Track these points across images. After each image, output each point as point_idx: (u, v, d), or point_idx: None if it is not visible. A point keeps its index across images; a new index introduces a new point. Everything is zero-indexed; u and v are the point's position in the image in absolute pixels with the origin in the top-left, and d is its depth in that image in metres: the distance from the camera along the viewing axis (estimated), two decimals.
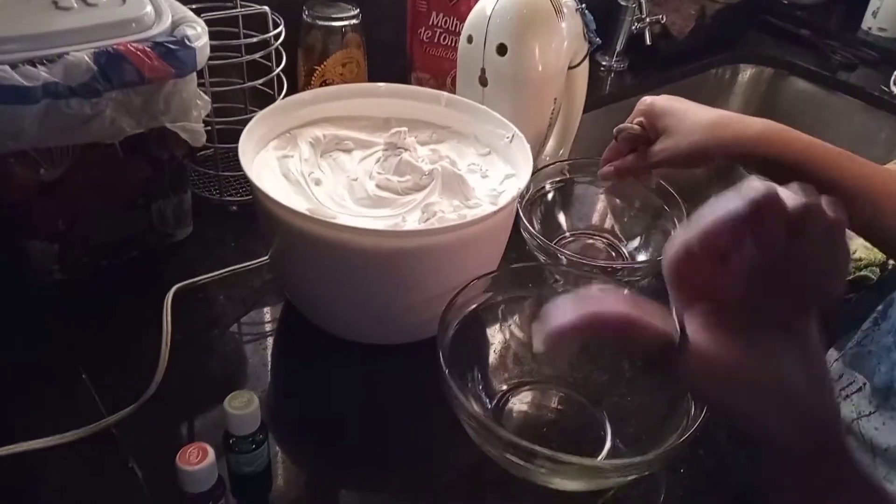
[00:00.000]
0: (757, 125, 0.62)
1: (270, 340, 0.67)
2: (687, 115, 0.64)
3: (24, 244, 0.66)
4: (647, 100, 0.68)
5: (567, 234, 0.81)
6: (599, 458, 0.57)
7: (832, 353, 0.53)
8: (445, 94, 0.74)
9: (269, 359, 0.66)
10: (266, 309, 0.70)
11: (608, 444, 0.59)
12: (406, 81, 0.97)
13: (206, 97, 0.70)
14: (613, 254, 0.79)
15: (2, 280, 0.67)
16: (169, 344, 0.62)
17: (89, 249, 0.70)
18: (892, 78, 1.20)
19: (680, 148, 0.64)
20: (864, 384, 0.47)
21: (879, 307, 0.48)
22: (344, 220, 0.60)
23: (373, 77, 0.93)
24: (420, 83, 0.96)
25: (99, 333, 0.65)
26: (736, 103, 1.34)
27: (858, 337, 0.49)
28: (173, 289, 0.67)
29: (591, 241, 0.81)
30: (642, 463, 0.51)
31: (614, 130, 0.70)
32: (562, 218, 0.81)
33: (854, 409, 0.47)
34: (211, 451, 0.47)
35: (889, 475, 0.45)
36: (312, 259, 0.61)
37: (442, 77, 0.94)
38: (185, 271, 0.70)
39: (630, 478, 0.53)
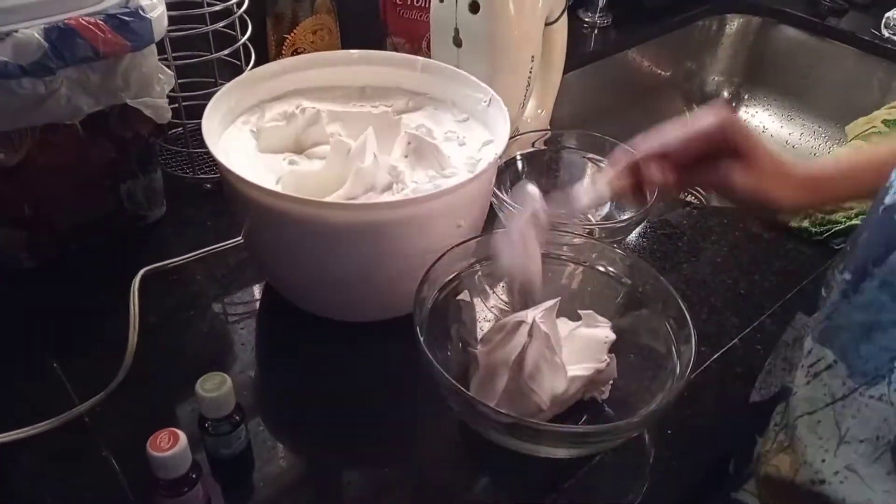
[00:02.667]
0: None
1: (248, 321, 0.66)
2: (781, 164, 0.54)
3: None
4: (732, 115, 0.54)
5: None
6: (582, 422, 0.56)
7: (807, 325, 0.51)
8: (421, 58, 0.71)
9: (247, 339, 0.64)
10: (243, 289, 0.69)
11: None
12: (381, 47, 0.94)
13: (168, 71, 0.67)
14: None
15: None
16: (137, 328, 0.60)
17: (57, 234, 0.68)
18: (883, 21, 1.16)
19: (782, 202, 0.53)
20: (835, 361, 0.45)
21: (846, 275, 0.46)
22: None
23: (346, 44, 0.91)
24: (395, 48, 0.93)
25: (70, 320, 0.63)
26: (724, 55, 1.30)
27: (827, 310, 0.46)
28: (141, 272, 0.65)
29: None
30: (628, 426, 0.50)
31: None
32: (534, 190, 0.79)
33: (826, 390, 0.45)
34: (182, 436, 0.46)
35: (854, 464, 0.44)
36: (283, 236, 0.59)
37: (417, 41, 0.91)
38: (158, 253, 0.68)
39: (618, 441, 0.52)
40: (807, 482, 0.45)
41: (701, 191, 0.55)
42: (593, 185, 0.55)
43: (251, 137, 0.65)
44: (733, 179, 0.51)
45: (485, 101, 0.67)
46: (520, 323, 0.55)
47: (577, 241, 0.63)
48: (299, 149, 0.66)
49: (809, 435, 0.45)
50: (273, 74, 0.69)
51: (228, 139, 0.64)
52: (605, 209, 0.76)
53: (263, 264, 0.67)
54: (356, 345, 0.63)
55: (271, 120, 0.66)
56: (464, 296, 0.60)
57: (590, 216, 0.77)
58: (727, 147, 0.51)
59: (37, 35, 0.55)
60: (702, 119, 0.51)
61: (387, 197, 0.60)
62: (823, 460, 0.44)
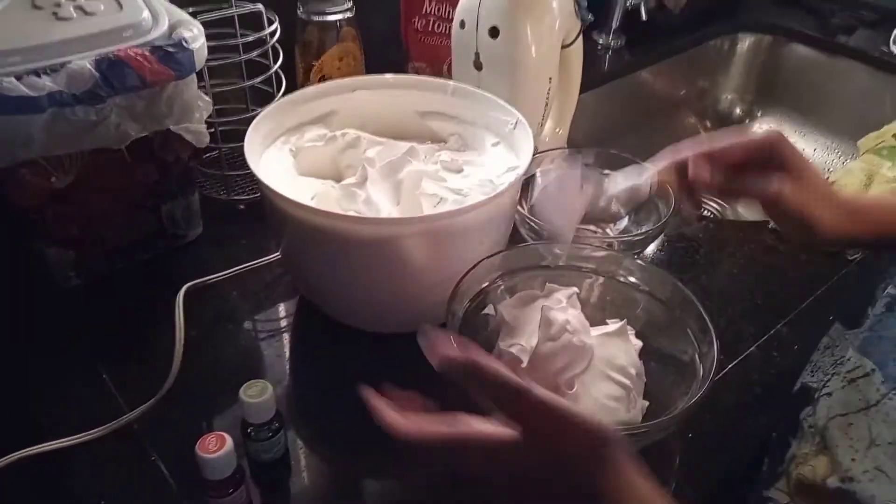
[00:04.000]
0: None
1: (284, 334, 0.69)
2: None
3: (41, 251, 0.68)
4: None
5: None
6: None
7: (846, 335, 0.53)
8: (452, 83, 0.74)
9: (284, 350, 0.67)
10: (279, 303, 0.72)
11: None
12: (403, 72, 0.98)
13: (207, 98, 0.71)
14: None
15: (22, 287, 0.69)
16: (183, 340, 0.63)
17: (103, 253, 0.71)
18: (892, 37, 1.19)
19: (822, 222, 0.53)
20: (873, 370, 0.47)
21: (892, 290, 0.48)
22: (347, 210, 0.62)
23: (370, 70, 0.94)
24: (417, 72, 0.97)
25: (117, 334, 0.67)
26: (737, 73, 1.33)
27: (871, 322, 0.48)
28: (184, 287, 0.68)
29: (581, 225, 0.81)
30: (657, 426, 0.52)
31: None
32: None
33: (861, 395, 0.47)
34: (229, 439, 0.49)
35: (883, 465, 0.46)
36: (319, 250, 0.62)
37: (438, 65, 0.95)
38: (197, 270, 0.72)
39: (646, 442, 0.54)
40: (836, 481, 0.47)
41: (743, 199, 0.54)
42: (635, 173, 0.56)
43: (290, 156, 0.68)
44: (782, 190, 0.51)
45: (511, 125, 0.70)
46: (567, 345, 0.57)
47: (598, 254, 0.65)
48: (336, 172, 0.69)
49: (841, 436, 0.47)
50: (313, 97, 0.73)
51: (268, 159, 0.68)
52: (623, 223, 0.79)
53: (299, 278, 0.70)
54: (386, 354, 0.65)
55: (310, 141, 0.70)
56: (489, 309, 0.63)
57: (608, 230, 0.79)
58: (775, 160, 0.52)
59: (89, 66, 0.60)
60: (752, 133, 0.53)
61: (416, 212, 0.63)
62: (853, 459, 0.46)
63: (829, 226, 0.53)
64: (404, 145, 0.71)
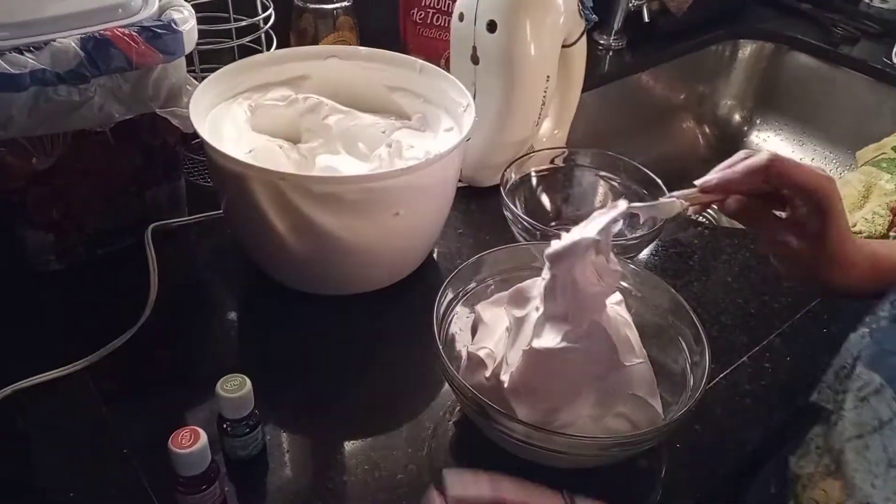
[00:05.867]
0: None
1: (254, 317, 0.68)
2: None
3: (20, 234, 0.66)
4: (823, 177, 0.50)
5: (552, 223, 0.80)
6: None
7: (850, 350, 0.51)
8: (420, 61, 0.74)
9: (257, 335, 0.66)
10: (242, 278, 0.72)
11: None
12: None
13: (196, 83, 0.69)
14: None
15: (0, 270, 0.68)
16: (151, 309, 0.63)
17: (84, 238, 0.70)
18: (894, 50, 1.18)
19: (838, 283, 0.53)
20: (882, 385, 0.45)
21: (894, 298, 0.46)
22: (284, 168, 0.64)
23: None
24: None
25: (95, 321, 0.65)
26: (737, 79, 1.32)
27: (878, 334, 0.47)
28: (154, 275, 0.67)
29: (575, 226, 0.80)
30: (647, 434, 0.50)
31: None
32: (547, 205, 0.81)
33: (873, 414, 0.45)
34: (203, 434, 0.47)
35: None
36: (229, 196, 0.63)
37: (436, 58, 0.93)
38: (180, 257, 0.70)
39: (636, 450, 0.52)
40: None
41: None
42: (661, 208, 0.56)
43: (247, 111, 0.69)
44: (801, 249, 0.51)
45: (462, 107, 0.69)
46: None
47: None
48: (294, 134, 0.71)
49: (858, 460, 0.45)
50: (286, 59, 0.74)
51: (223, 112, 0.69)
52: (617, 226, 0.77)
53: (238, 236, 0.71)
54: (344, 316, 0.67)
55: (271, 100, 0.70)
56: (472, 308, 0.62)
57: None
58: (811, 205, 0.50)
59: (73, 44, 0.58)
60: (805, 173, 0.50)
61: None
62: (873, 485, 0.43)
63: (839, 284, 0.52)
64: (365, 117, 0.73)
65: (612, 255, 0.53)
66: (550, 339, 0.51)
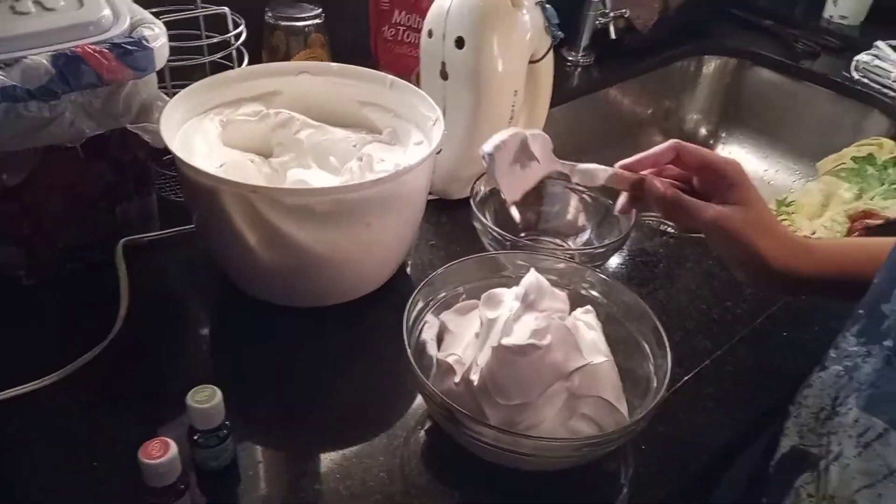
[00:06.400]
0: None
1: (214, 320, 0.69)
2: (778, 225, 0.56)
3: None
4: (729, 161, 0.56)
5: (521, 233, 0.82)
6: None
7: (825, 390, 0.51)
8: (390, 76, 0.76)
9: (229, 347, 0.67)
10: (214, 291, 0.73)
11: None
12: None
13: (167, 98, 0.70)
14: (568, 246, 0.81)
15: None
16: (122, 323, 0.64)
17: (55, 253, 0.70)
18: (853, 64, 1.22)
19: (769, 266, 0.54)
20: (885, 430, 0.44)
21: (889, 342, 0.44)
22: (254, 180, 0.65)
23: None
24: None
25: (65, 336, 0.65)
26: (702, 94, 1.36)
27: (871, 378, 0.45)
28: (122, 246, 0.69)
29: (545, 237, 0.82)
30: (602, 438, 0.52)
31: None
32: (516, 216, 0.83)
33: (881, 461, 0.44)
34: (173, 445, 0.48)
35: None
36: (201, 209, 0.64)
37: (407, 74, 0.94)
38: (152, 273, 0.70)
39: (593, 454, 0.54)
40: None
41: (683, 221, 0.56)
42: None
43: (218, 126, 0.70)
44: (724, 212, 0.53)
45: (432, 121, 0.71)
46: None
47: (560, 265, 0.65)
48: (266, 149, 0.72)
49: None
50: (257, 75, 0.75)
51: (194, 127, 0.69)
52: (586, 235, 0.79)
53: (210, 249, 0.71)
54: (317, 329, 0.67)
55: (243, 115, 0.72)
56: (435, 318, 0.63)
57: (570, 243, 0.80)
58: (726, 184, 0.54)
59: (45, 61, 0.58)
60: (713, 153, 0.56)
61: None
62: None
63: (774, 258, 0.53)
64: (336, 131, 0.74)
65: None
66: (518, 336, 0.53)
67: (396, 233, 0.70)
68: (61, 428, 0.57)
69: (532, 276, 0.60)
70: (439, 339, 0.62)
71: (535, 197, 0.83)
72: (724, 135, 1.35)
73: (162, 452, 0.47)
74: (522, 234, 0.81)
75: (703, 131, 1.37)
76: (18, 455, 0.55)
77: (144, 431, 0.55)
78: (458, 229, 0.82)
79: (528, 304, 0.57)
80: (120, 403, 0.60)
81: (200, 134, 0.70)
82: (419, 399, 0.62)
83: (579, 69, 1.21)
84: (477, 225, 0.74)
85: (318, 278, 0.67)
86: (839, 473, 0.47)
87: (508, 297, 0.58)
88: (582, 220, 0.82)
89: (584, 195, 0.81)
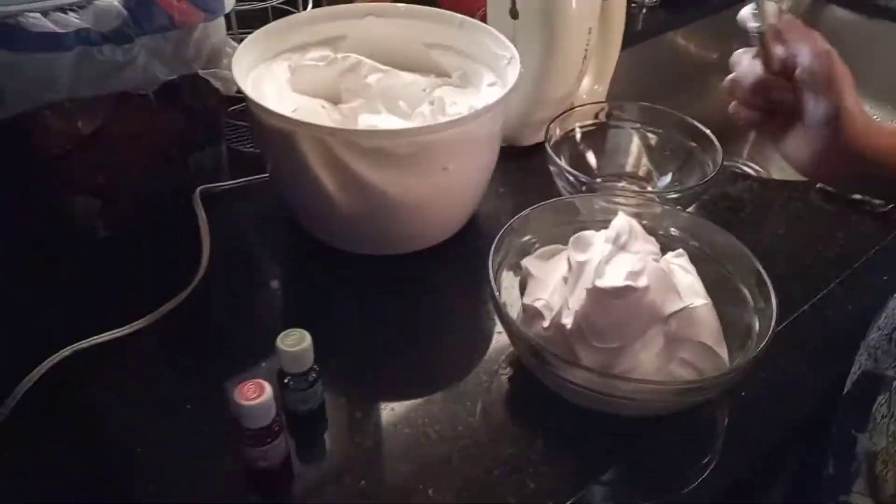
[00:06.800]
0: None
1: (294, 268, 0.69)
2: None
3: (67, 200, 0.66)
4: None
5: (598, 178, 0.79)
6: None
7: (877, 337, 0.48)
8: (459, 15, 0.73)
9: (286, 290, 0.67)
10: (292, 240, 0.72)
11: None
12: None
13: (235, 44, 0.69)
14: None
15: (49, 238, 0.67)
16: (204, 271, 0.64)
17: (130, 203, 0.69)
18: None
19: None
20: None
21: None
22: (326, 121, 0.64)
23: None
24: None
25: (148, 285, 0.65)
26: None
27: None
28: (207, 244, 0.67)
29: (621, 182, 0.79)
30: (704, 384, 0.50)
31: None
32: (592, 161, 0.79)
33: None
34: (268, 387, 0.47)
35: None
36: (275, 154, 0.63)
37: (471, 15, 0.91)
38: (225, 223, 0.70)
39: (692, 400, 0.52)
40: None
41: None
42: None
43: (287, 72, 0.69)
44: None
45: (506, 60, 0.68)
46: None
47: (642, 209, 0.63)
48: (334, 94, 0.70)
49: None
50: (323, 19, 0.73)
51: (263, 73, 0.68)
52: (667, 179, 0.76)
53: (286, 199, 0.70)
54: (388, 278, 0.66)
55: (311, 60, 0.70)
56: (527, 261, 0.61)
57: (649, 187, 0.77)
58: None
59: (117, 3, 0.57)
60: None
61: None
62: None
63: (858, 121, 0.48)
64: (406, 76, 0.72)
65: None
66: (613, 278, 0.50)
67: (472, 178, 0.68)
68: (151, 374, 0.57)
69: (622, 218, 0.57)
70: (522, 286, 0.60)
71: (608, 139, 0.80)
72: None
73: (258, 393, 0.46)
74: (599, 180, 0.78)
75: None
76: (112, 402, 0.55)
77: (234, 375, 0.56)
78: (527, 177, 0.80)
79: (620, 246, 0.55)
80: (207, 349, 0.60)
81: (270, 80, 0.68)
82: (498, 344, 0.61)
83: (644, 11, 1.15)
84: (552, 168, 0.71)
85: (394, 224, 0.66)
86: None
87: (598, 240, 0.56)
88: (660, 163, 0.78)
89: (658, 136, 0.78)
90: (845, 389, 0.53)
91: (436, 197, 0.65)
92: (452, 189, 0.66)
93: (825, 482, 0.53)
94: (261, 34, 0.68)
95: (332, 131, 0.59)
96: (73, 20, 0.56)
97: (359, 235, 0.67)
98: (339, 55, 0.72)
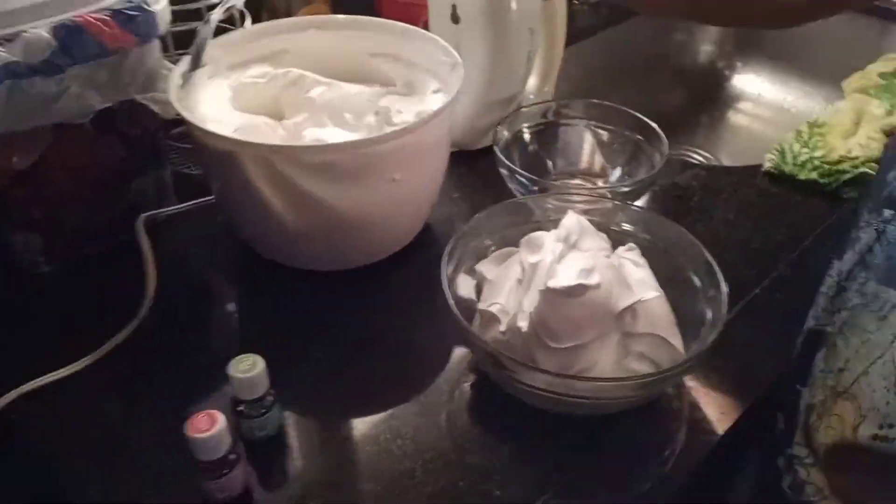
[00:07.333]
0: None
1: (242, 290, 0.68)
2: None
3: (5, 236, 0.64)
4: None
5: (552, 175, 0.79)
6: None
7: (840, 268, 0.50)
8: (401, 24, 0.73)
9: (257, 314, 0.66)
10: (239, 261, 0.71)
11: None
12: None
13: (171, 66, 0.67)
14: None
15: None
16: (151, 302, 0.62)
17: (73, 237, 0.68)
18: None
19: None
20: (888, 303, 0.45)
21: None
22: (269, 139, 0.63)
23: None
24: None
25: (94, 319, 0.63)
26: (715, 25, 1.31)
27: (888, 251, 0.46)
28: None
29: (575, 180, 0.79)
30: (661, 376, 0.50)
31: None
32: (544, 161, 0.80)
33: (891, 330, 0.45)
34: (220, 416, 0.46)
35: None
36: (234, 183, 0.61)
37: (413, 24, 0.91)
38: (175, 250, 0.69)
39: (648, 392, 0.52)
40: (872, 431, 0.45)
41: None
42: None
43: (227, 91, 0.67)
44: None
45: (449, 66, 0.68)
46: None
47: (593, 205, 0.63)
48: (277, 111, 0.69)
49: (877, 379, 0.45)
50: (264, 34, 0.72)
51: (203, 94, 0.66)
52: (616, 174, 0.77)
53: (232, 219, 0.69)
54: (341, 293, 0.66)
55: (251, 77, 0.69)
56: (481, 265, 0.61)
57: (599, 183, 0.77)
58: None
59: (45, 34, 0.56)
60: None
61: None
62: (888, 402, 0.44)
63: None
64: (350, 87, 0.71)
65: None
66: (565, 278, 0.51)
67: (423, 186, 0.67)
68: (101, 411, 0.55)
69: (572, 217, 0.57)
70: (478, 290, 0.60)
71: (557, 138, 0.80)
72: (740, 65, 1.31)
73: (209, 425, 0.46)
74: (548, 178, 0.79)
75: (717, 63, 1.32)
76: (58, 443, 0.54)
77: (186, 407, 0.54)
78: (479, 180, 0.80)
79: (570, 245, 0.55)
80: (157, 381, 0.58)
81: (209, 100, 0.67)
82: (457, 355, 0.60)
83: (587, 7, 1.17)
84: (503, 171, 0.71)
85: (346, 240, 0.65)
86: (843, 345, 0.47)
87: (549, 240, 0.56)
88: (609, 158, 0.79)
89: (607, 132, 0.78)
90: (793, 354, 0.55)
91: (386, 208, 0.64)
92: (402, 199, 0.65)
93: (777, 437, 0.54)
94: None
95: (276, 149, 0.58)
96: (1, 54, 0.55)
97: (310, 252, 0.66)
98: (281, 70, 0.71)
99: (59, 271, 0.67)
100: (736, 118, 1.28)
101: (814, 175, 0.77)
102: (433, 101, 0.68)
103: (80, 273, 0.67)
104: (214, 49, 0.68)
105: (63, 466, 0.53)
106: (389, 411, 0.56)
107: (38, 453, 0.53)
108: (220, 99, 0.67)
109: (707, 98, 1.28)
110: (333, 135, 0.68)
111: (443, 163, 0.69)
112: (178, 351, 0.61)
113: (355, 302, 0.65)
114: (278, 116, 0.71)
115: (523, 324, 0.52)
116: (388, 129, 0.64)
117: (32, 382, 0.56)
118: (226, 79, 0.69)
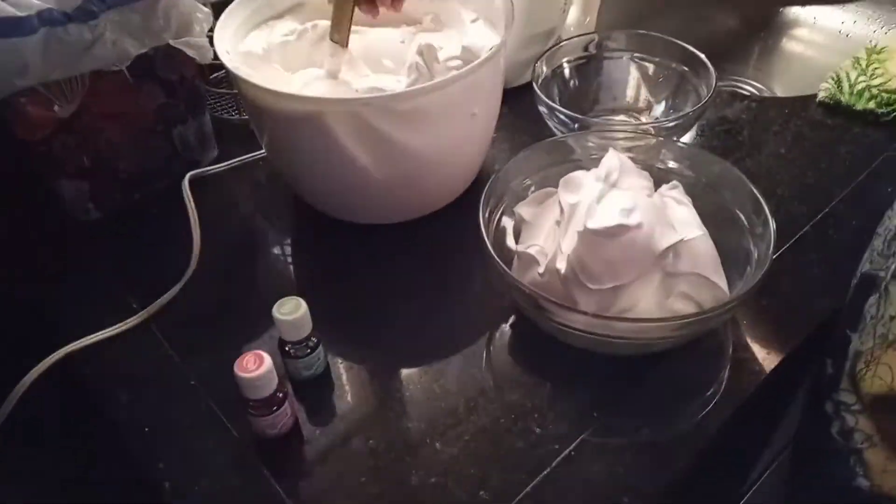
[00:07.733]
0: None
1: (299, 243, 0.68)
2: None
3: (55, 185, 0.66)
4: None
5: (593, 112, 0.77)
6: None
7: None
8: None
9: (302, 261, 0.66)
10: (284, 215, 0.71)
11: None
12: None
13: (205, 9, 0.67)
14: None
15: (41, 224, 0.68)
16: (197, 259, 0.63)
17: (119, 183, 0.69)
18: None
19: None
20: None
21: None
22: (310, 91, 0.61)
23: None
24: None
25: (143, 268, 0.65)
26: None
27: None
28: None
29: (618, 116, 0.77)
30: (704, 315, 0.49)
31: None
32: (585, 96, 0.77)
33: None
34: (267, 357, 0.47)
35: None
36: (292, 137, 0.60)
37: None
38: (218, 197, 0.69)
39: (693, 332, 0.51)
40: None
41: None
42: None
43: (260, 52, 0.65)
44: None
45: None
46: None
47: (636, 142, 0.61)
48: (315, 65, 0.67)
49: None
50: None
51: (244, 55, 0.64)
52: (660, 108, 0.74)
53: (285, 173, 0.69)
54: (388, 246, 0.65)
55: (282, 36, 0.67)
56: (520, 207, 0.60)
57: (643, 118, 0.75)
58: None
59: None
60: None
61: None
62: None
63: None
64: (378, 31, 0.68)
65: None
66: (605, 218, 0.49)
67: (492, 119, 0.66)
68: (154, 360, 0.57)
69: (611, 155, 0.56)
70: (516, 233, 0.59)
71: (599, 72, 0.77)
72: None
73: (257, 365, 0.47)
74: (590, 114, 0.76)
75: None
76: (116, 387, 0.55)
77: (237, 350, 0.56)
78: (519, 119, 0.78)
79: (611, 184, 0.53)
80: (207, 329, 0.60)
81: (253, 61, 0.64)
82: (500, 296, 0.60)
83: None
84: (542, 109, 0.69)
85: (421, 186, 0.64)
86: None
87: (588, 180, 0.55)
88: (653, 92, 0.76)
89: (651, 64, 0.75)
90: (847, 298, 0.53)
91: (463, 147, 0.64)
92: (476, 136, 0.64)
93: (825, 381, 0.53)
94: (231, 13, 0.65)
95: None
96: (34, 1, 0.55)
97: (379, 204, 0.65)
98: (308, 25, 0.68)
99: (109, 219, 0.69)
100: (789, 45, 1.22)
101: (872, 104, 0.73)
102: (476, 30, 0.65)
103: (129, 221, 0.69)
104: (237, 7, 0.66)
105: (116, 410, 0.54)
106: (432, 352, 0.57)
107: (98, 396, 0.56)
108: (262, 59, 0.65)
109: (758, 24, 1.22)
110: (385, 81, 0.66)
111: (501, 96, 0.67)
112: (228, 299, 0.62)
113: (400, 250, 0.65)
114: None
115: (562, 265, 0.51)
116: (438, 70, 0.62)
117: (90, 337, 0.58)
118: (256, 40, 0.67)
